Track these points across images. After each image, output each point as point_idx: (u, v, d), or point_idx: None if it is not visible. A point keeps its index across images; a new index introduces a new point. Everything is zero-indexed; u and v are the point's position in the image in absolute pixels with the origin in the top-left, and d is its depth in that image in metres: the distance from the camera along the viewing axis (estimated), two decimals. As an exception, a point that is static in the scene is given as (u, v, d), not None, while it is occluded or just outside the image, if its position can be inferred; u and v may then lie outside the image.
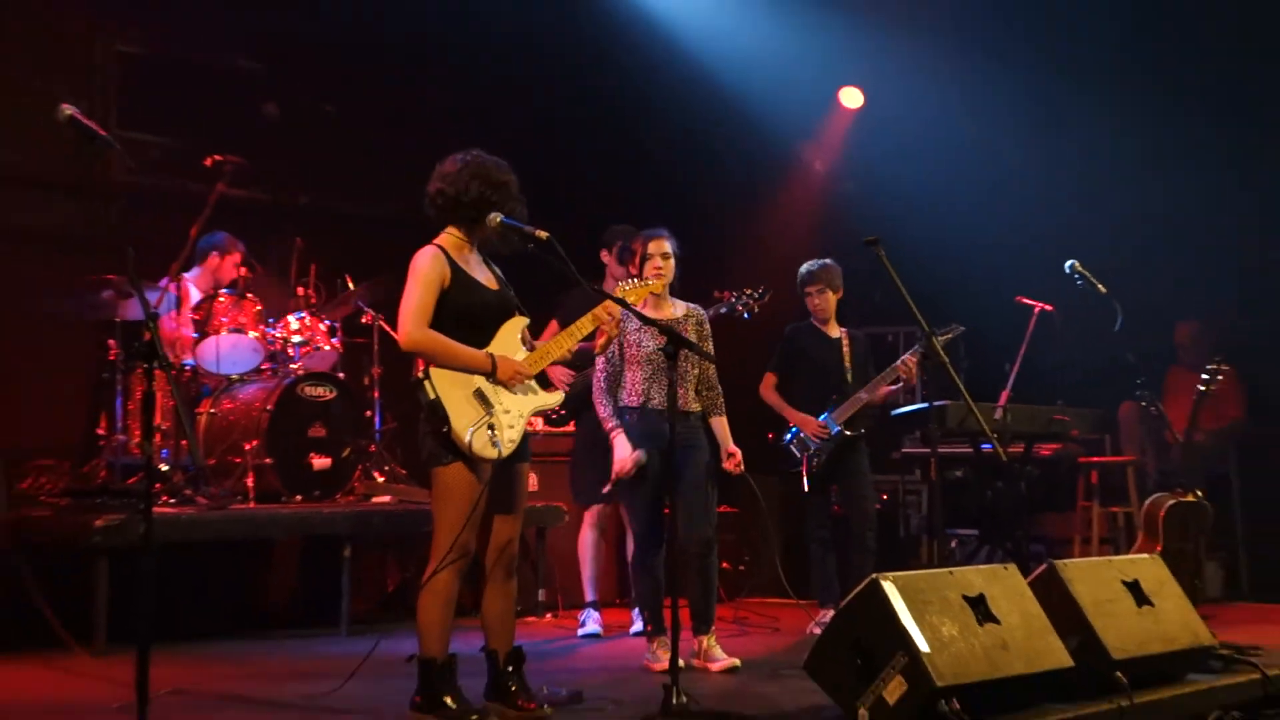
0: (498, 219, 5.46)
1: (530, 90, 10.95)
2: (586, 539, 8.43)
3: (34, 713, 5.83)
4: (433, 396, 5.34)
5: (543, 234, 5.43)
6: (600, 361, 6.96)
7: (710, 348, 7.04)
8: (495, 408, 5.42)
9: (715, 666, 6.83)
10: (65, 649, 7.03)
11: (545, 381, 5.84)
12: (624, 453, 6.83)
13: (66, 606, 7.19)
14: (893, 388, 8.38)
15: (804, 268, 8.40)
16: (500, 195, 5.53)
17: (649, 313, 6.81)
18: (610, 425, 6.90)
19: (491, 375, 5.43)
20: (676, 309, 7.07)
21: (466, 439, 5.31)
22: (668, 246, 6.93)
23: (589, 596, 8.41)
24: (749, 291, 8.24)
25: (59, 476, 8.75)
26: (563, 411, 8.65)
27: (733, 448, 7.06)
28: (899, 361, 8.25)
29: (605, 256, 8.28)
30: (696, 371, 7.01)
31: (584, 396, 7.97)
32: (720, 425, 7.12)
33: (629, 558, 8.22)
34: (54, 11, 9.55)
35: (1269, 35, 10.15)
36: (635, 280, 6.59)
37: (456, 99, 10.68)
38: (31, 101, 8.78)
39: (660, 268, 6.88)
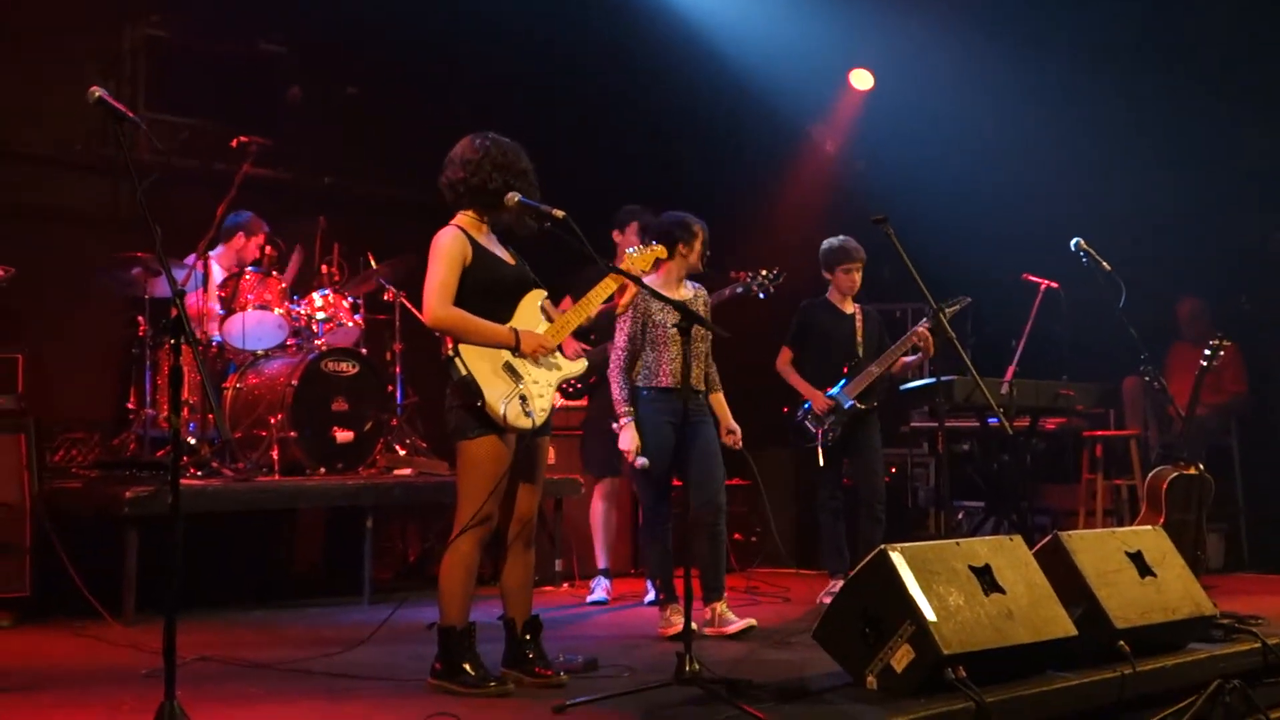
0: (515, 198, 5.53)
1: (545, 72, 10.95)
2: (598, 509, 8.54)
3: (65, 679, 5.88)
4: (465, 373, 5.43)
5: (559, 213, 5.50)
6: (621, 340, 7.06)
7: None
8: (524, 379, 5.53)
9: (731, 629, 6.93)
10: (95, 617, 7.08)
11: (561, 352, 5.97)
12: (631, 445, 6.93)
13: (96, 576, 7.24)
14: (909, 359, 8.42)
15: (841, 245, 8.39)
16: (522, 182, 5.61)
17: (668, 294, 6.94)
18: (623, 410, 7.00)
19: (516, 349, 5.54)
20: (686, 290, 7.20)
21: (501, 411, 5.42)
22: None
23: (601, 564, 8.54)
24: (765, 272, 8.32)
25: (89, 449, 8.90)
26: (579, 385, 8.79)
27: (733, 424, 7.21)
28: (911, 332, 8.31)
29: (616, 236, 8.35)
30: (705, 349, 7.17)
31: (597, 370, 8.14)
32: (719, 401, 7.26)
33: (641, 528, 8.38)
34: (84, -3, 9.65)
35: (1271, 19, 10.19)
36: (640, 247, 6.69)
37: (475, 81, 10.73)
38: (62, 84, 8.87)
39: (707, 254, 7.13)
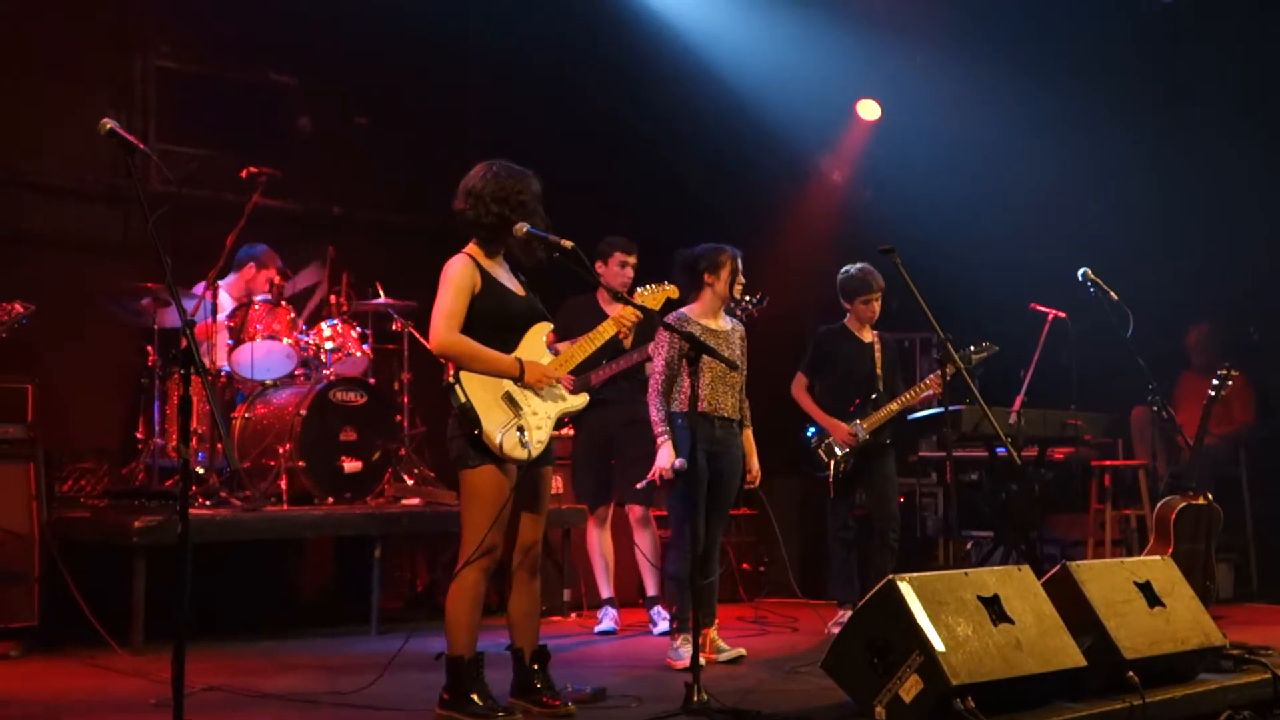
0: (524, 229, 5.56)
1: (553, 101, 11.01)
2: (594, 539, 8.52)
3: (74, 709, 5.91)
4: (464, 400, 5.46)
5: (567, 243, 5.54)
6: (659, 365, 7.13)
7: (745, 364, 7.27)
8: (524, 410, 5.55)
9: (722, 657, 7.04)
10: (104, 646, 7.13)
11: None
12: (665, 461, 7.00)
13: (105, 605, 7.28)
14: (927, 394, 8.45)
15: (861, 276, 8.36)
16: (521, 214, 5.62)
17: (708, 323, 7.12)
18: (659, 431, 7.06)
19: (519, 379, 5.57)
20: (724, 323, 7.27)
21: (497, 440, 5.44)
22: None
23: (605, 594, 8.53)
24: (747, 298, 8.35)
25: (98, 479, 8.93)
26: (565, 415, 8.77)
27: (755, 465, 7.29)
28: (929, 379, 8.37)
29: (599, 268, 8.32)
30: (739, 381, 7.20)
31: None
32: (748, 439, 7.32)
33: (639, 558, 8.36)
34: (95, 28, 9.63)
35: (1276, 43, 10.24)
36: (653, 285, 6.74)
37: (484, 111, 10.78)
38: (74, 115, 8.91)
39: (743, 280, 7.20)
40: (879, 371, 8.44)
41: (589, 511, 8.51)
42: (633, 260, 8.34)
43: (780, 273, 10.23)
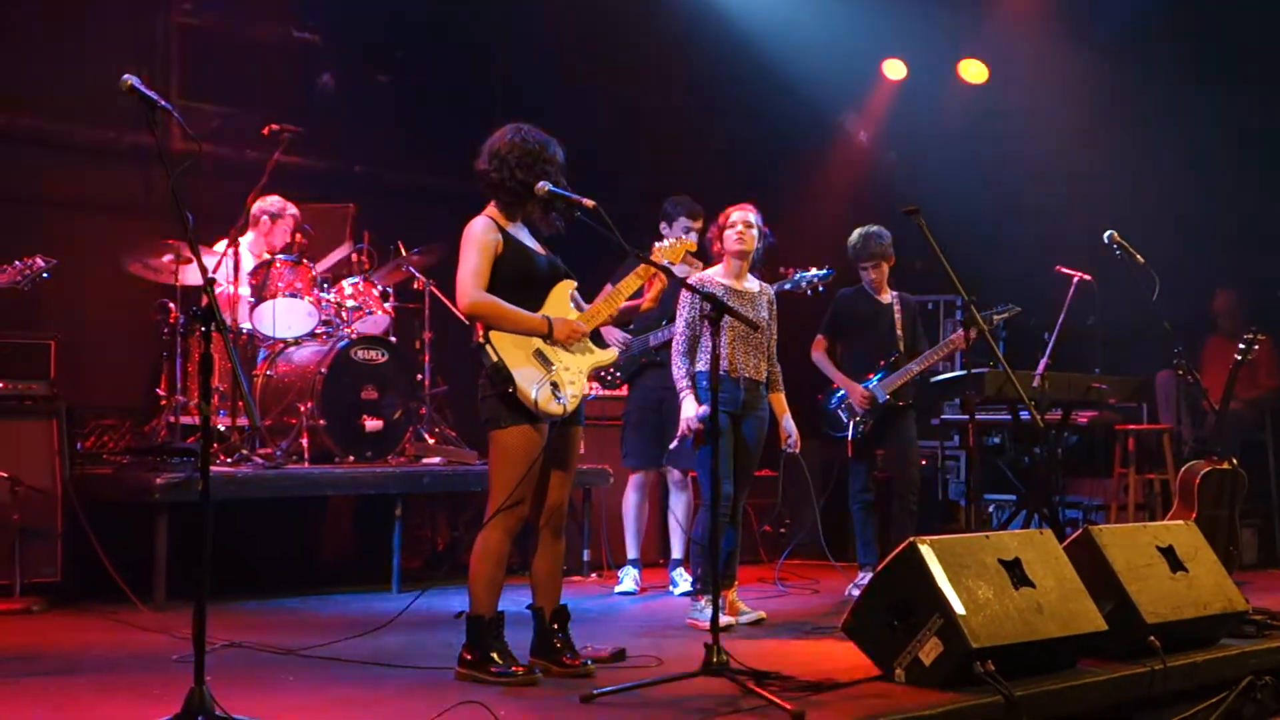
0: (545, 188, 5.55)
1: (577, 62, 10.99)
2: (630, 500, 8.55)
3: (97, 664, 5.94)
4: (495, 359, 5.46)
5: (589, 202, 5.53)
6: (681, 326, 7.15)
7: (775, 328, 7.27)
8: (556, 366, 5.56)
9: (743, 619, 7.06)
10: (126, 603, 7.16)
11: (599, 341, 6.01)
12: (689, 412, 7.01)
13: (127, 561, 7.31)
14: (947, 351, 8.46)
15: (861, 242, 8.36)
16: (544, 178, 5.61)
17: (732, 283, 7.11)
18: (682, 385, 7.09)
19: (548, 336, 5.57)
20: (751, 284, 7.25)
21: (533, 396, 5.45)
22: (751, 217, 7.18)
23: (630, 555, 8.56)
24: (813, 269, 8.33)
25: (120, 436, 8.94)
26: (618, 376, 8.79)
27: (791, 427, 7.27)
28: (951, 339, 8.37)
29: (664, 229, 8.35)
30: (765, 342, 7.20)
31: (638, 361, 8.15)
32: (779, 401, 7.31)
33: (671, 520, 8.37)
34: (117, -15, 9.64)
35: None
36: (670, 240, 6.73)
37: (507, 70, 10.76)
38: (95, 73, 8.88)
39: (741, 234, 7.12)
40: (899, 333, 8.42)
41: (632, 471, 8.53)
42: (698, 225, 8.21)
43: (803, 234, 10.22)
